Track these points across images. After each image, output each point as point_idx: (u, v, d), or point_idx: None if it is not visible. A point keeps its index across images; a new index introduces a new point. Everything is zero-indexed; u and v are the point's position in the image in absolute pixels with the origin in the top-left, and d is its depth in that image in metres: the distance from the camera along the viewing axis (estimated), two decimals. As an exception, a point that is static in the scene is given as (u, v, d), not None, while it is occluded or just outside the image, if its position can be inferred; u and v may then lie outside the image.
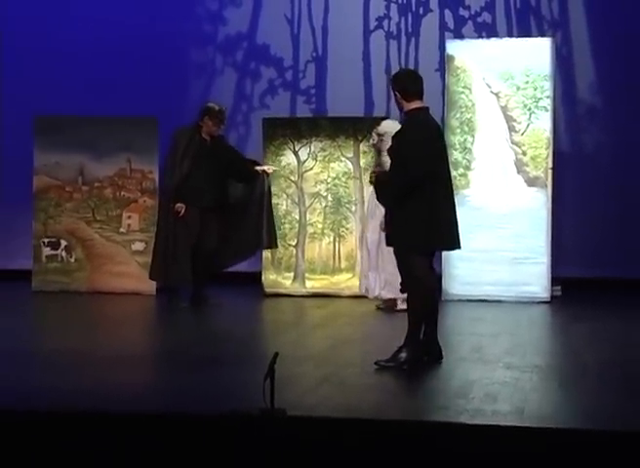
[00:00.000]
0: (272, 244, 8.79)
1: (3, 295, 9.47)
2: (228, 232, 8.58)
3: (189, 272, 8.37)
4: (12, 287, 9.83)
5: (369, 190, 8.33)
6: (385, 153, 8.13)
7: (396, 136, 5.98)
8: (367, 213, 8.48)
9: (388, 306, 8.29)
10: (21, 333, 7.29)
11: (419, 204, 5.75)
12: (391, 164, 5.98)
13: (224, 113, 8.52)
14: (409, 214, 5.76)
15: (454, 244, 5.97)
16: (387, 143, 8.15)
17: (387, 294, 8.22)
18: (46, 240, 9.75)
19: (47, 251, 9.74)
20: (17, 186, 10.28)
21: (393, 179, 5.86)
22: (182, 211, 8.30)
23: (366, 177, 9.53)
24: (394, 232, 5.88)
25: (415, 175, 5.73)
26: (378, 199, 6.20)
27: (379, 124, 8.35)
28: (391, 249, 8.08)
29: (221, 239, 8.54)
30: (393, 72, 6.44)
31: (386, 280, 8.15)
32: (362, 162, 9.52)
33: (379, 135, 8.20)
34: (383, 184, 5.95)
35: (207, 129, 8.44)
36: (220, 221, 8.52)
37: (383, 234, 8.12)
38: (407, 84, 5.91)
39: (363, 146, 9.53)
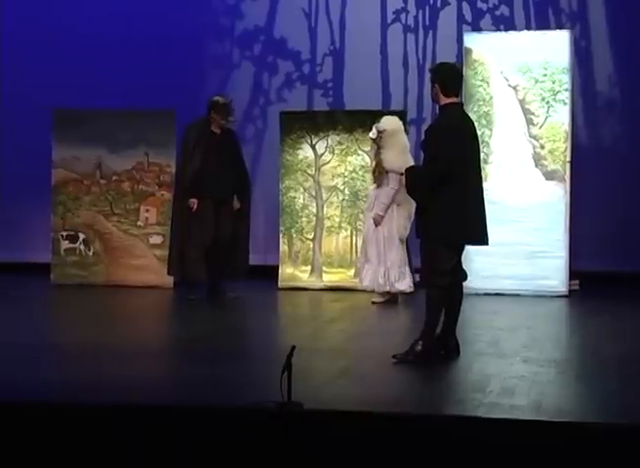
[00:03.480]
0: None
1: (22, 288, 9.52)
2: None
3: (203, 268, 8.40)
4: (31, 280, 9.88)
5: (376, 192, 8.30)
6: (385, 150, 8.16)
7: (429, 130, 5.97)
8: (366, 207, 8.49)
9: (388, 300, 8.32)
10: (40, 326, 7.34)
11: (449, 198, 5.75)
12: (424, 157, 5.97)
13: (229, 105, 8.54)
14: (439, 208, 5.76)
15: (482, 239, 5.96)
16: (386, 140, 8.18)
17: (400, 287, 8.26)
18: (64, 233, 9.80)
19: (65, 244, 9.79)
20: (35, 180, 10.33)
21: (425, 172, 5.86)
22: (195, 206, 8.35)
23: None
24: (424, 224, 5.87)
25: (446, 169, 5.72)
26: (408, 192, 6.20)
27: (379, 120, 8.34)
28: (380, 242, 8.03)
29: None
30: (434, 64, 6.44)
31: (391, 273, 8.19)
32: (379, 155, 9.51)
33: (379, 131, 8.19)
34: (415, 177, 5.94)
35: (216, 122, 8.50)
36: (233, 212, 8.56)
37: (379, 230, 8.21)
38: (448, 79, 5.90)
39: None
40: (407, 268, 8.39)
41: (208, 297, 8.45)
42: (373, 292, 8.36)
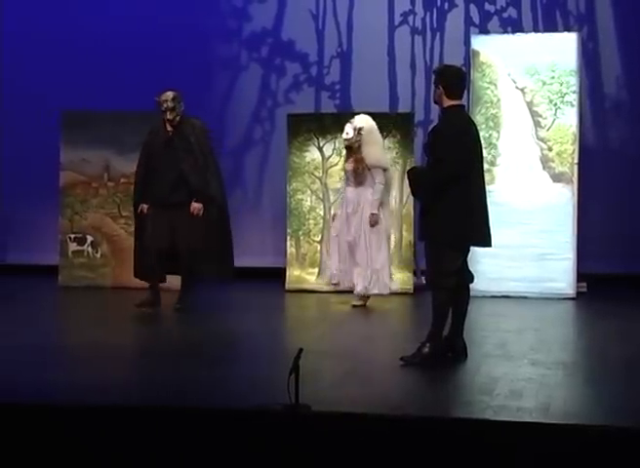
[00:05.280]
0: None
1: (30, 290, 9.54)
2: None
3: (154, 273, 8.01)
4: (39, 282, 9.91)
5: (357, 192, 8.18)
6: (366, 146, 8.11)
7: (433, 132, 5.98)
8: (350, 210, 8.21)
9: (365, 303, 8.28)
10: (47, 328, 7.35)
11: (454, 199, 5.75)
12: (428, 159, 5.98)
13: (159, 102, 7.91)
14: (444, 209, 5.76)
15: (486, 240, 5.96)
16: (366, 137, 8.13)
17: (374, 290, 8.21)
18: (72, 235, 9.82)
19: (73, 246, 9.81)
20: (44, 182, 10.36)
21: (430, 174, 5.86)
22: (144, 210, 7.92)
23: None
24: (428, 226, 5.87)
25: (451, 171, 5.73)
26: (412, 194, 6.22)
27: (352, 119, 8.26)
28: (370, 244, 7.97)
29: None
30: (439, 66, 6.45)
31: (374, 276, 8.14)
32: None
33: (357, 129, 8.11)
34: (419, 179, 5.95)
35: (166, 121, 7.95)
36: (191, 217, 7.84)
37: (364, 232, 8.13)
38: (453, 82, 5.90)
39: (387, 142, 9.51)
40: (388, 271, 8.34)
41: (150, 303, 7.95)
42: (355, 295, 8.26)
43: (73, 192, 9.83)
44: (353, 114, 9.95)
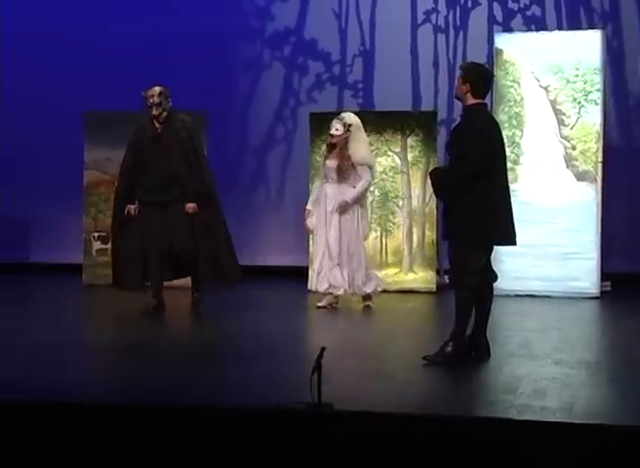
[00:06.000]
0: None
1: (54, 289, 9.60)
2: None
3: (137, 278, 7.72)
4: (63, 280, 9.96)
5: (340, 189, 7.98)
6: (354, 144, 8.04)
7: (455, 130, 5.97)
8: (330, 209, 8.02)
9: (331, 303, 8.12)
10: (71, 326, 7.39)
11: (477, 198, 5.73)
12: (450, 158, 5.96)
13: (145, 97, 7.64)
14: (467, 208, 5.74)
15: (510, 239, 5.94)
16: (354, 134, 8.05)
17: (367, 289, 8.11)
18: (96, 234, 9.87)
19: (97, 245, 9.86)
20: (68, 181, 10.42)
21: (453, 173, 5.85)
22: (131, 211, 7.63)
23: (412, 172, 9.53)
24: (451, 225, 5.86)
25: (472, 169, 5.71)
26: (435, 194, 6.19)
27: (339, 116, 8.14)
28: (354, 244, 7.87)
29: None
30: (467, 62, 6.44)
31: (357, 276, 8.03)
32: (409, 156, 9.52)
33: (347, 125, 8.01)
34: (442, 178, 5.93)
35: (154, 117, 7.64)
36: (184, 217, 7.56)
37: (346, 232, 8.01)
38: (481, 80, 5.88)
39: (410, 141, 9.51)
40: (371, 270, 8.26)
41: (155, 309, 7.71)
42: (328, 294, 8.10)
43: (97, 191, 9.88)
44: (375, 113, 9.99)
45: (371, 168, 8.24)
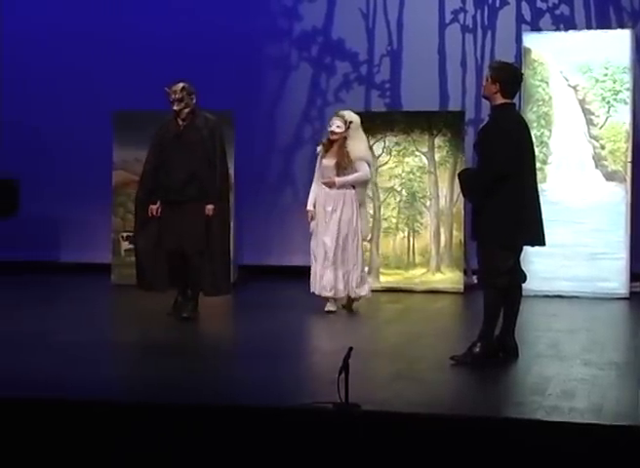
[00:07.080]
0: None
1: (83, 289, 9.66)
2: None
3: (158, 279, 7.63)
4: (92, 280, 10.02)
5: (327, 190, 7.87)
6: (353, 141, 7.98)
7: (482, 131, 5.95)
8: (330, 209, 7.87)
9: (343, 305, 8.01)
10: (99, 326, 7.43)
11: (505, 198, 5.72)
12: (478, 158, 5.95)
13: (168, 93, 7.54)
14: (495, 208, 5.73)
15: (539, 239, 5.92)
16: (353, 131, 7.98)
17: (360, 292, 7.97)
18: (125, 234, 9.92)
19: (126, 245, 9.91)
20: (97, 182, 10.47)
21: (481, 173, 5.83)
22: (153, 212, 7.51)
23: (440, 172, 9.50)
24: (480, 225, 5.84)
25: (500, 169, 5.70)
26: (464, 195, 6.18)
27: (339, 113, 8.04)
28: (351, 245, 7.77)
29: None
30: (497, 61, 6.43)
31: (352, 277, 7.90)
32: (437, 156, 9.50)
33: (348, 123, 7.91)
34: (470, 179, 5.92)
35: (177, 115, 7.55)
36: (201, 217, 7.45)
37: (343, 232, 7.91)
38: (511, 81, 5.86)
39: (438, 141, 9.49)
40: (365, 272, 8.17)
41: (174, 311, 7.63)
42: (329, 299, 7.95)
43: (126, 191, 9.92)
44: (403, 113, 9.97)
45: (369, 165, 8.15)
